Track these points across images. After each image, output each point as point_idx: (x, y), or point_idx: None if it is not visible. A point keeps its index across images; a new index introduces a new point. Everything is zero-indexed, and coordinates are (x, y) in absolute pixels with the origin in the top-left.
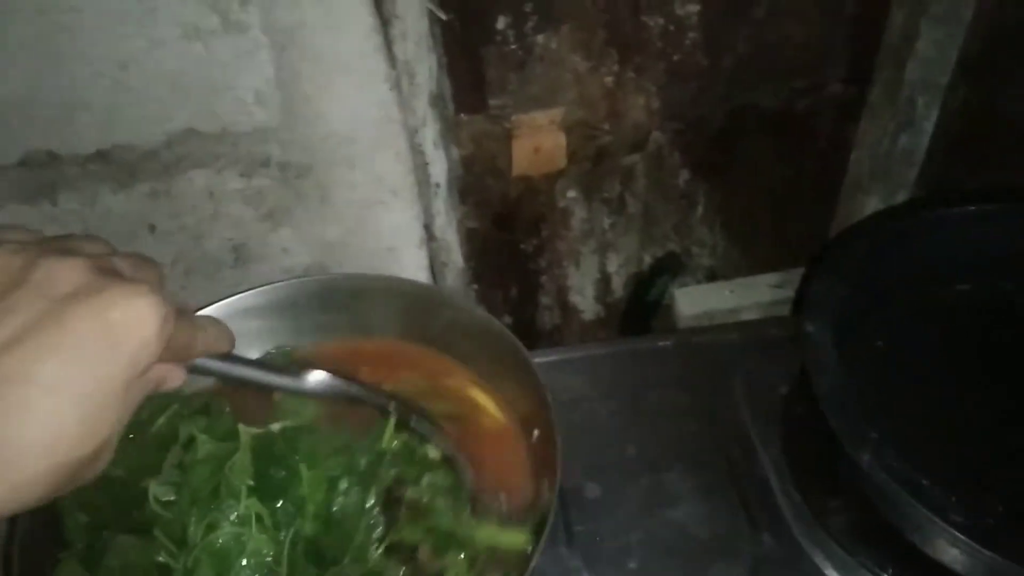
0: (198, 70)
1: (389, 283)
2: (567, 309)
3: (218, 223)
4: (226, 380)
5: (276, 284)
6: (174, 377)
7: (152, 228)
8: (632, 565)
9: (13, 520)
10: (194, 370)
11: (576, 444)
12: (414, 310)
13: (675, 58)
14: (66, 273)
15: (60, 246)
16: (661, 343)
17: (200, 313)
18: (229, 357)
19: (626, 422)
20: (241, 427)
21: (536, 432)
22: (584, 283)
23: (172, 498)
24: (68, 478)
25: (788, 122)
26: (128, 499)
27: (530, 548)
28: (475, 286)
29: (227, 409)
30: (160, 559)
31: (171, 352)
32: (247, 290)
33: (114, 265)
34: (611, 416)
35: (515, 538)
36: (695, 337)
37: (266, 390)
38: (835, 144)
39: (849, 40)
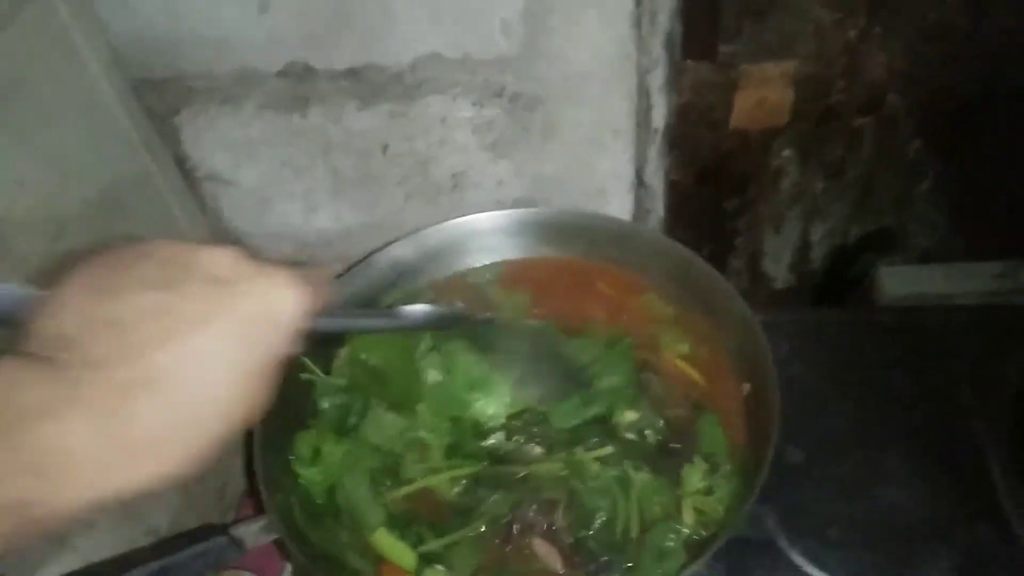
0: None
1: (607, 222)
2: (757, 275)
3: (444, 149)
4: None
5: (503, 212)
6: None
7: (385, 148)
8: (832, 535)
9: None
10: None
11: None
12: (628, 249)
13: (930, 16)
14: (225, 261)
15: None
16: (875, 317)
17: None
18: (340, 312)
19: (834, 393)
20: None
21: (747, 386)
22: (781, 250)
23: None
24: (228, 440)
25: None
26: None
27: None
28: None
29: None
30: (421, 434)
31: None
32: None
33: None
34: (818, 385)
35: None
36: (913, 316)
37: (379, 332)
38: None
39: None
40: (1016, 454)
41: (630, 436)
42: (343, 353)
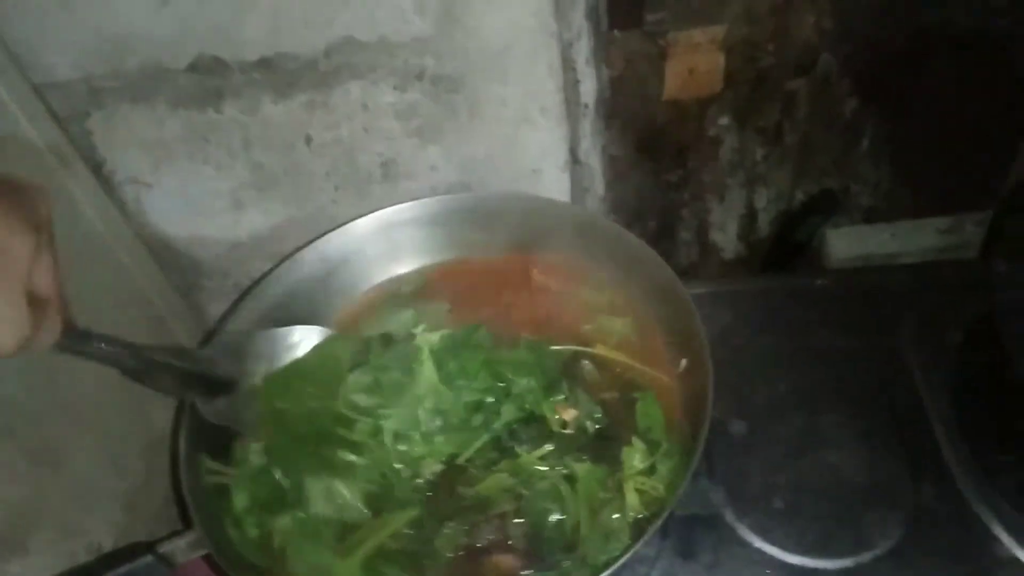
0: None
1: (539, 203)
2: (706, 246)
3: (370, 137)
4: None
5: (431, 199)
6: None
7: (308, 140)
8: (778, 505)
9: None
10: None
11: (722, 379)
12: (560, 231)
13: None
14: None
15: None
16: (819, 282)
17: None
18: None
19: (778, 361)
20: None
21: (684, 361)
22: (727, 219)
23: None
24: None
25: (979, 46)
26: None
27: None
28: (613, 216)
29: None
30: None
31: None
32: (399, 203)
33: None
34: (761, 353)
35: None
36: (857, 278)
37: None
38: None
39: None
40: (959, 412)
41: (568, 431)
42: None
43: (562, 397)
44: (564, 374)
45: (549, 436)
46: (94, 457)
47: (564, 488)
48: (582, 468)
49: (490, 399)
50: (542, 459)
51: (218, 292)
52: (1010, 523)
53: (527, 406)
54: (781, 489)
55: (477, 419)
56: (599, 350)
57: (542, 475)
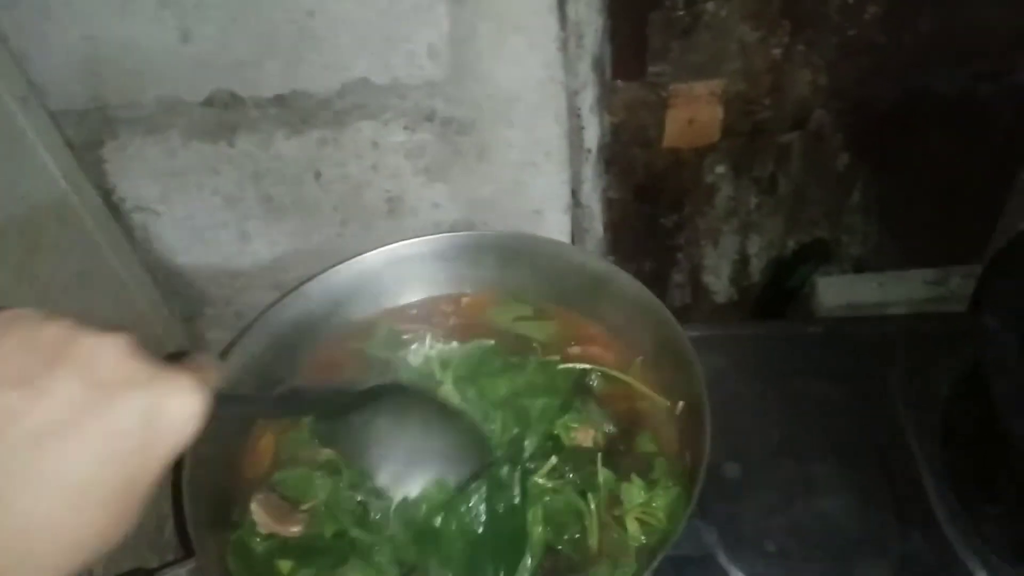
0: (379, 21)
1: (539, 244)
2: (699, 289)
3: (378, 174)
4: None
5: (440, 236)
6: None
7: (318, 175)
8: (771, 548)
9: None
10: None
11: (715, 421)
12: (562, 272)
13: (851, 33)
14: (109, 354)
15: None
16: (810, 329)
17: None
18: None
19: (770, 406)
20: None
21: (681, 404)
22: (720, 264)
23: None
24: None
25: (965, 109)
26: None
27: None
28: (611, 257)
29: None
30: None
31: None
32: (408, 239)
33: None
34: (753, 398)
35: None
36: (847, 327)
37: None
38: (1013, 136)
39: None
40: (947, 462)
41: (585, 444)
42: None
43: (575, 423)
44: (575, 392)
45: (560, 450)
46: None
47: (580, 503)
48: (603, 473)
49: (515, 430)
50: (551, 473)
51: (219, 319)
52: (996, 571)
53: (546, 429)
54: (773, 533)
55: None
56: (606, 369)
57: (555, 490)
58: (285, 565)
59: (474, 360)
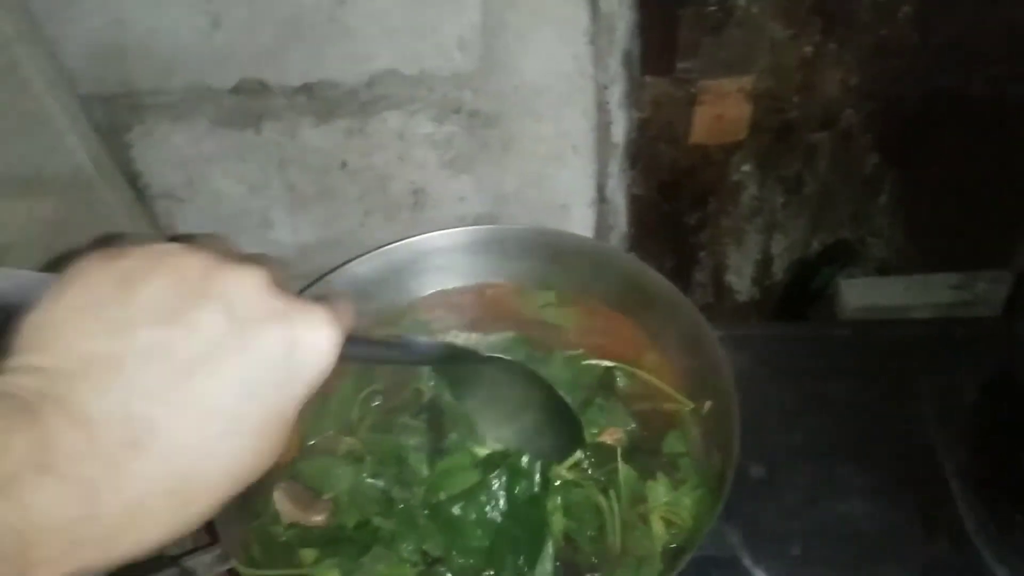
0: (409, 11)
1: (569, 239)
2: (721, 288)
3: (404, 166)
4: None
5: (468, 229)
6: None
7: (343, 164)
8: (795, 552)
9: None
10: None
11: (741, 423)
12: (587, 268)
13: (883, 32)
14: (249, 289)
15: (227, 250)
16: (836, 331)
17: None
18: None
19: (795, 408)
20: None
21: (708, 404)
22: (743, 263)
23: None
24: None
25: (995, 112)
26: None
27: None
28: (633, 254)
29: None
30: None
31: None
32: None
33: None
34: (778, 399)
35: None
36: (874, 329)
37: (391, 363)
38: None
39: None
40: (974, 467)
41: (609, 441)
42: None
43: (599, 420)
44: (599, 389)
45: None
46: None
47: (600, 499)
48: (624, 470)
49: None
50: (573, 468)
51: None
52: None
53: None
54: (798, 536)
55: None
56: (632, 367)
57: (576, 483)
58: (309, 554)
59: (498, 351)
